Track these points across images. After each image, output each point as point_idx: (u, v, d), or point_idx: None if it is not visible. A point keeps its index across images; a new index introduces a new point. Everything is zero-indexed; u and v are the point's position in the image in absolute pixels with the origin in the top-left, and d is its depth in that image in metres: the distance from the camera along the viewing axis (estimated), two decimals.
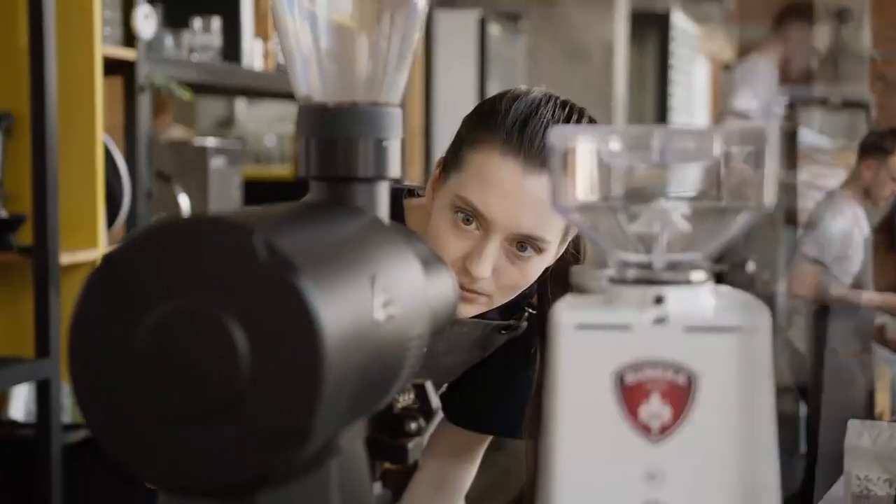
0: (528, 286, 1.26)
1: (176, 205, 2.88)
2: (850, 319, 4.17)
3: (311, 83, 0.81)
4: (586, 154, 0.69)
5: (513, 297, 1.26)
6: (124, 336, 0.61)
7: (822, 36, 4.28)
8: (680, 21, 7.64)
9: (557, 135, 0.69)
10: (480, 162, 1.21)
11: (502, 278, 1.22)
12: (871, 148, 4.14)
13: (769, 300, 4.25)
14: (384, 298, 0.68)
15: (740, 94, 4.16)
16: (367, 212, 0.77)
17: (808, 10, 4.23)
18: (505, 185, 1.19)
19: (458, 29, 5.09)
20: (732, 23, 9.99)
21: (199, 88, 3.13)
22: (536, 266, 1.24)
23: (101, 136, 2.48)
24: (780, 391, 4.16)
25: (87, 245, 2.48)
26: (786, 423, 4.35)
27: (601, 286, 0.72)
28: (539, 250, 1.22)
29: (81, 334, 0.61)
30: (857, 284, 4.15)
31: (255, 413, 0.59)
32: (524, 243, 1.21)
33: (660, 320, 0.66)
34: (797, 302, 4.20)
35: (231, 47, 3.04)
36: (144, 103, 2.64)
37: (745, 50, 10.02)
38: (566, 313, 0.67)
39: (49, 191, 2.32)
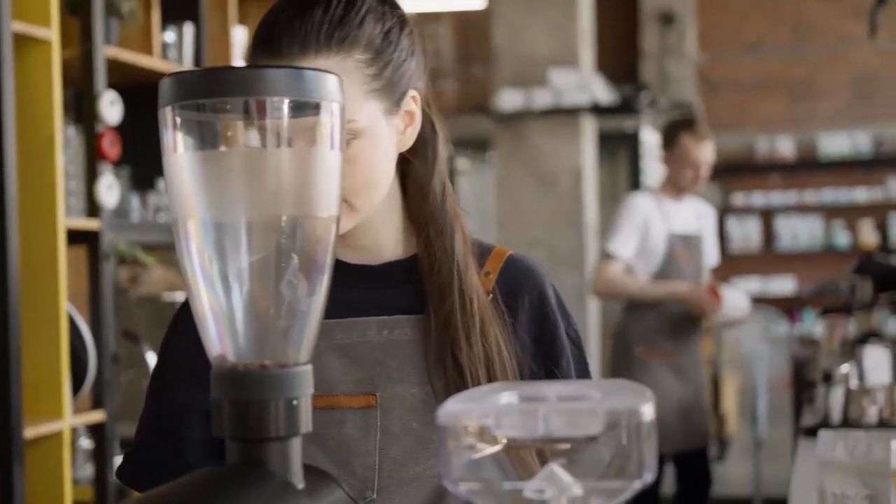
0: (380, 172, 1.18)
1: (144, 364, 2.90)
2: (651, 316, 4.03)
3: (223, 343, 0.84)
4: (475, 429, 0.72)
5: (375, 192, 1.19)
6: None
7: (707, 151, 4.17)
8: (649, 137, 7.78)
9: (447, 412, 0.72)
10: None
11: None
12: (664, 141, 4.15)
13: None
14: None
15: (613, 236, 3.99)
16: (278, 474, 0.80)
17: (688, 125, 4.16)
18: None
19: None
20: None
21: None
22: (365, 151, 1.16)
23: (64, 308, 2.51)
24: None
25: (52, 416, 2.49)
26: None
27: None
28: (353, 133, 1.14)
29: None
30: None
31: None
32: None
33: None
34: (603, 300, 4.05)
35: None
36: (108, 270, 2.68)
37: (716, 159, 10.17)
38: None
39: (12, 365, 2.34)
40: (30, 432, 2.40)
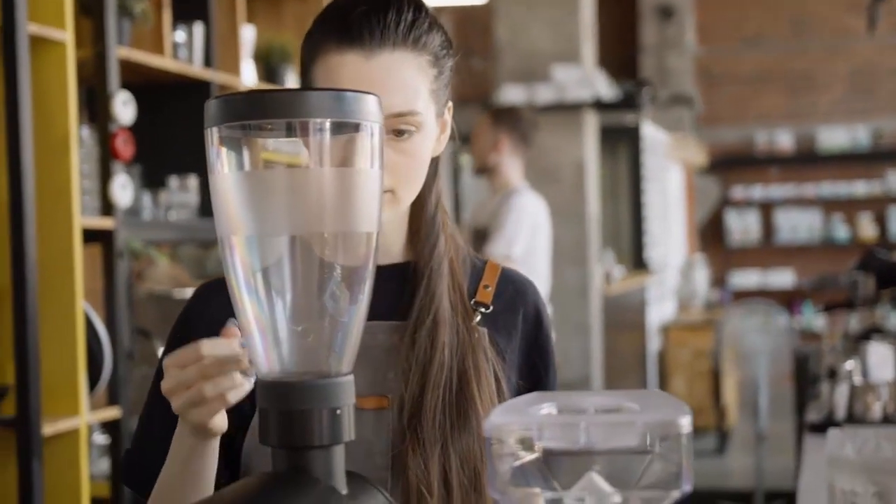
0: (425, 169, 1.24)
1: (156, 360, 2.93)
2: None
3: (268, 355, 0.87)
4: (520, 440, 0.75)
5: (417, 186, 1.23)
6: None
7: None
8: (650, 131, 7.80)
9: (491, 424, 0.75)
10: (323, 72, 1.21)
11: (393, 169, 1.19)
12: None
13: None
14: None
15: (496, 238, 3.97)
16: (322, 481, 0.83)
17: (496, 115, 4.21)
18: (346, 78, 1.18)
19: None
20: (703, 127, 10.25)
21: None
22: (422, 145, 1.21)
23: (81, 306, 2.54)
24: None
25: (69, 413, 2.52)
26: None
27: None
28: (416, 126, 1.20)
29: None
30: None
31: None
32: (398, 128, 1.19)
33: None
34: None
35: (207, 203, 3.12)
36: (123, 268, 2.71)
37: (716, 153, 10.21)
38: None
39: (31, 363, 2.37)
40: (48, 429, 2.44)
